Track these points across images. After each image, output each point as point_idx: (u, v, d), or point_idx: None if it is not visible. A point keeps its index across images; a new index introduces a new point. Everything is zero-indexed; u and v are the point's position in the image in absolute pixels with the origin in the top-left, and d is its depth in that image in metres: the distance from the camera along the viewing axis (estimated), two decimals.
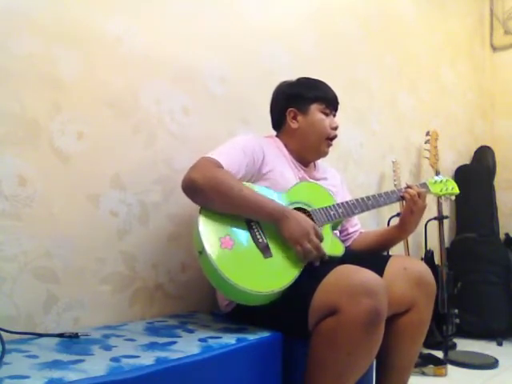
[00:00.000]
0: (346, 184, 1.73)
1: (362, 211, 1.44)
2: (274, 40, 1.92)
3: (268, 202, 1.27)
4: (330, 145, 1.51)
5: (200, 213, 1.23)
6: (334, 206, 1.39)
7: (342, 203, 1.41)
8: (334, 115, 1.53)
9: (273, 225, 1.26)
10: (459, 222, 2.97)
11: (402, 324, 1.31)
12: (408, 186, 1.49)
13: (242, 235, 1.24)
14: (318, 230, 1.26)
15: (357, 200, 1.43)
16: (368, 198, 1.45)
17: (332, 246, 1.33)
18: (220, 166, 1.27)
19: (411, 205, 1.46)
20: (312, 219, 1.34)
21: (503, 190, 3.13)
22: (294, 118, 1.50)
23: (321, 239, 1.25)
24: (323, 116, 1.49)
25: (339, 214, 1.39)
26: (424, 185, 1.56)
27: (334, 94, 1.52)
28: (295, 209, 1.32)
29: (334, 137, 1.51)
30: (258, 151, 1.38)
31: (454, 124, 3.09)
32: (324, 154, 1.53)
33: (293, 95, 1.50)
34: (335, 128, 1.50)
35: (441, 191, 1.58)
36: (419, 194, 1.46)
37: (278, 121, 1.55)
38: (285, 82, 1.56)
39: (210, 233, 1.20)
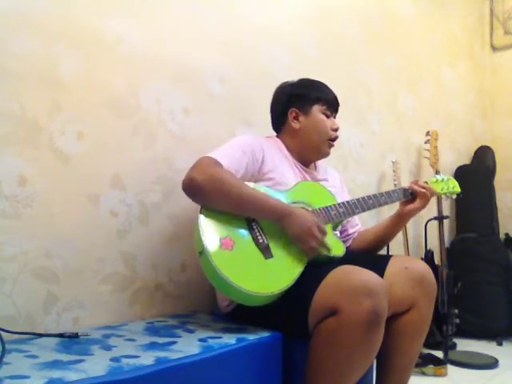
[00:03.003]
0: (346, 185, 1.73)
1: (363, 211, 1.44)
2: (274, 40, 1.92)
3: (270, 200, 1.27)
4: (332, 145, 1.52)
5: (201, 213, 1.23)
6: (334, 205, 1.39)
7: (343, 203, 1.41)
8: (335, 117, 1.54)
9: (275, 223, 1.26)
10: (459, 222, 2.97)
11: (402, 323, 1.31)
12: (416, 181, 1.51)
13: (243, 236, 1.24)
14: (322, 225, 1.27)
15: (357, 200, 1.43)
16: (369, 197, 1.46)
17: (333, 246, 1.33)
18: (220, 166, 1.27)
19: (425, 198, 1.48)
20: None
21: (503, 190, 3.13)
22: (296, 118, 1.50)
23: (324, 234, 1.26)
24: (324, 117, 1.49)
25: (340, 214, 1.39)
26: (425, 184, 1.56)
27: (335, 95, 1.53)
28: None
29: (336, 138, 1.51)
30: (257, 151, 1.38)
31: (454, 124, 3.09)
32: (325, 154, 1.53)
33: (295, 95, 1.50)
34: (336, 129, 1.51)
35: (442, 190, 1.59)
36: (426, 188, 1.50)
37: (279, 121, 1.55)
38: (286, 82, 1.56)
39: (210, 233, 1.20)
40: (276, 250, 1.24)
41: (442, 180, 1.61)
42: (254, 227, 1.26)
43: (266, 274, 1.21)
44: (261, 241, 1.24)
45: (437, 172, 2.53)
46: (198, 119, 1.63)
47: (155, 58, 1.52)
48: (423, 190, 1.48)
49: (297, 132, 1.50)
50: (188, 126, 1.59)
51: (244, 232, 1.25)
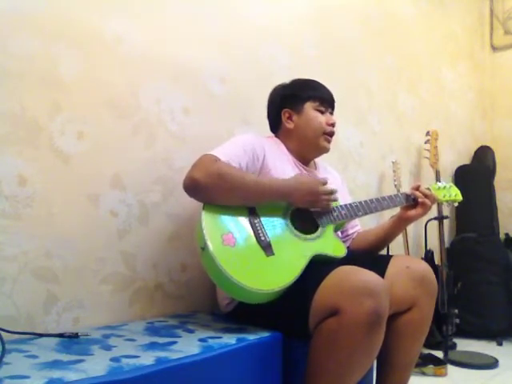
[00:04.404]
0: (347, 184, 1.73)
1: (365, 214, 1.44)
2: (273, 40, 1.92)
3: (273, 182, 1.30)
4: (329, 140, 1.51)
5: (203, 209, 1.24)
6: (337, 207, 1.39)
7: (346, 205, 1.41)
8: (331, 113, 1.53)
9: (283, 201, 1.31)
10: (459, 222, 2.97)
11: (403, 323, 1.31)
12: (418, 186, 1.50)
13: (245, 233, 1.24)
14: (322, 180, 1.35)
15: (360, 203, 1.43)
16: (371, 201, 1.45)
17: (334, 247, 1.33)
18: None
19: (426, 206, 1.47)
20: (315, 220, 1.35)
21: (503, 190, 3.13)
22: (289, 118, 1.50)
23: (325, 184, 1.35)
24: (318, 113, 1.49)
25: (342, 216, 1.39)
26: (428, 190, 1.56)
27: (328, 91, 1.52)
28: (296, 210, 1.33)
29: (331, 132, 1.50)
30: (258, 149, 1.38)
31: (454, 124, 3.09)
32: (324, 149, 1.52)
33: (286, 96, 1.51)
34: (332, 124, 1.50)
35: (444, 197, 1.58)
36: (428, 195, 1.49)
37: (275, 123, 1.56)
38: (279, 84, 1.56)
39: (212, 229, 1.20)
40: (277, 247, 1.24)
41: (445, 187, 1.60)
42: (256, 224, 1.26)
43: (267, 271, 1.21)
44: (262, 238, 1.24)
45: (437, 173, 2.54)
46: (198, 119, 1.63)
47: (155, 58, 1.51)
48: (425, 200, 1.47)
49: (292, 132, 1.50)
50: (188, 126, 1.59)
51: (246, 229, 1.25)
